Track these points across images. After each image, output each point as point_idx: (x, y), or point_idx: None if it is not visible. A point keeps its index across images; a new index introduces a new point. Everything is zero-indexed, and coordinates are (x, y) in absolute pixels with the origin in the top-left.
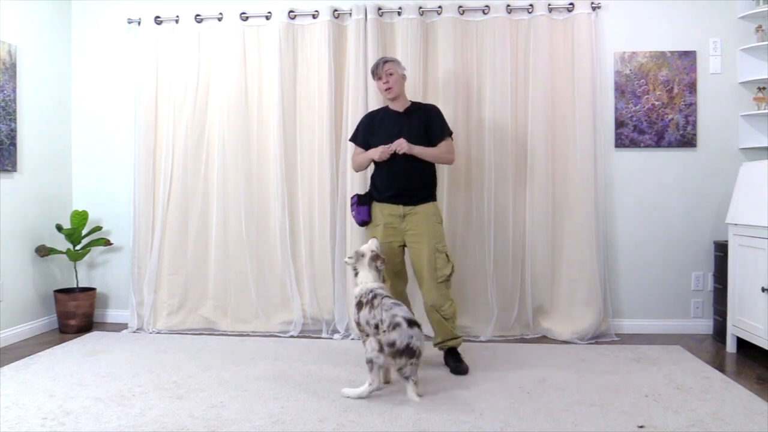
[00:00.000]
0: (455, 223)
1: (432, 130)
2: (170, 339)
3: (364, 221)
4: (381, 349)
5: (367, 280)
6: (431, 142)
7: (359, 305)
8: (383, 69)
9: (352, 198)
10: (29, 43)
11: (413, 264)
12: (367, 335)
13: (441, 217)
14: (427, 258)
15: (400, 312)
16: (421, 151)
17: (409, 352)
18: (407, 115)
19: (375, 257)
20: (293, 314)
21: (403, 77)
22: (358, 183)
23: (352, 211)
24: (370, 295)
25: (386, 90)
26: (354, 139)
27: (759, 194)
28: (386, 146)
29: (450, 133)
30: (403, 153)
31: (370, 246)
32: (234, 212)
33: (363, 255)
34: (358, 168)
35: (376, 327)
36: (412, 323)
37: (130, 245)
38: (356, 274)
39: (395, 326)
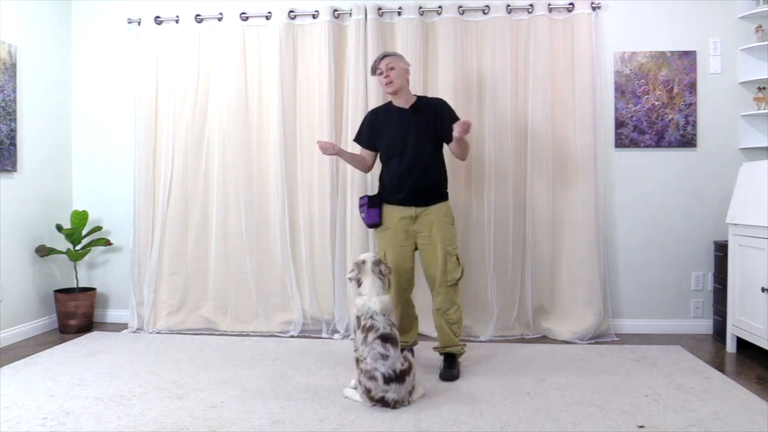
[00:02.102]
0: (455, 222)
1: (447, 125)
2: (170, 339)
3: (374, 224)
4: (360, 384)
5: (371, 291)
6: (444, 137)
7: (357, 321)
8: (383, 63)
9: (361, 199)
10: (29, 43)
11: (423, 266)
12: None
13: (453, 216)
14: (439, 261)
15: (382, 367)
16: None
17: (383, 402)
18: (414, 111)
19: (377, 262)
20: (293, 314)
21: (406, 71)
22: (359, 183)
23: (361, 212)
24: (369, 323)
25: (386, 84)
26: (358, 139)
27: (759, 194)
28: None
29: None
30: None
31: (370, 254)
32: (234, 212)
33: (364, 261)
34: (361, 170)
35: (361, 360)
36: (389, 380)
37: (130, 245)
38: (359, 285)
39: (372, 378)
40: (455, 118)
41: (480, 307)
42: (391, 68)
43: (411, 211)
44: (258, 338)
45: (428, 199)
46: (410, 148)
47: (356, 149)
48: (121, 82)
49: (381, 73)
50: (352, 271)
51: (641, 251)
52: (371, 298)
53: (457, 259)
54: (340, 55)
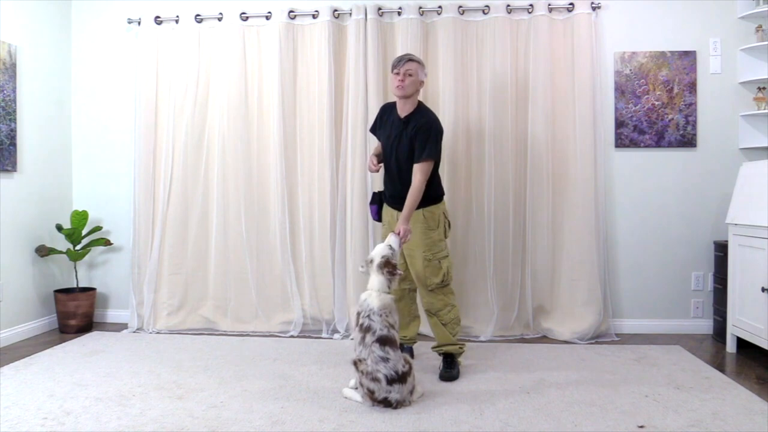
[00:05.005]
0: (455, 223)
1: (415, 146)
2: (170, 339)
3: (375, 219)
4: (361, 386)
5: (373, 287)
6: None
7: (357, 317)
8: (404, 67)
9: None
10: (29, 43)
11: (410, 268)
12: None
13: (438, 220)
14: (417, 267)
15: (384, 369)
16: (411, 208)
17: (386, 403)
18: (405, 123)
19: (384, 264)
20: (293, 314)
21: (421, 83)
22: (359, 182)
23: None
24: (366, 322)
25: (397, 87)
26: (373, 129)
27: (759, 194)
28: (371, 161)
29: (429, 157)
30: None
31: (382, 250)
32: (234, 212)
33: (371, 261)
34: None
35: (360, 361)
36: (392, 381)
37: (130, 245)
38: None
39: (374, 379)
40: (423, 146)
41: (480, 307)
42: (409, 75)
43: (395, 213)
44: (258, 338)
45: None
46: (395, 157)
47: (357, 146)
48: (121, 82)
49: (398, 75)
50: (363, 267)
51: (641, 251)
52: (371, 293)
53: (440, 263)
54: (340, 55)
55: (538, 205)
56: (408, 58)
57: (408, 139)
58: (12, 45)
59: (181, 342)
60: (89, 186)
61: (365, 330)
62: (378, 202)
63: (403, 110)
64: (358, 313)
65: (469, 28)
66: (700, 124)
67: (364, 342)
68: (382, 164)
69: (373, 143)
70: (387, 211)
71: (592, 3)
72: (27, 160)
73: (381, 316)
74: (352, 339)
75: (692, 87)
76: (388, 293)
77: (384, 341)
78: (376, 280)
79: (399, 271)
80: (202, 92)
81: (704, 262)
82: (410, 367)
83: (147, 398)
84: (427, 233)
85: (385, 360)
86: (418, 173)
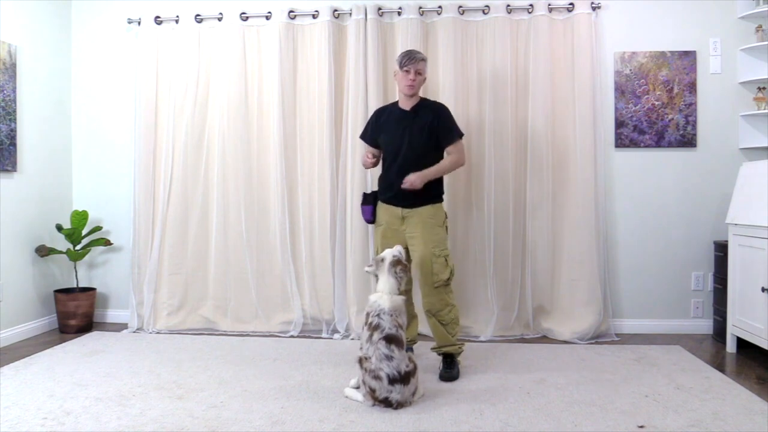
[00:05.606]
0: (455, 223)
1: (441, 132)
2: (170, 339)
3: (368, 220)
4: (364, 384)
5: (383, 289)
6: (440, 144)
7: (366, 317)
8: (416, 66)
9: (362, 196)
10: (29, 43)
11: (412, 267)
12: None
13: (443, 219)
14: (424, 262)
15: (386, 368)
16: (433, 174)
17: (387, 402)
18: (414, 113)
19: (395, 263)
20: (293, 314)
21: (425, 79)
22: (359, 182)
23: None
24: (376, 321)
25: (409, 86)
26: (363, 136)
27: (759, 194)
28: (366, 155)
29: (461, 135)
30: (417, 185)
31: (393, 251)
32: (234, 212)
33: (383, 260)
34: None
35: (366, 359)
36: (394, 381)
37: (130, 245)
38: (377, 280)
39: (376, 377)
40: (451, 126)
41: (480, 307)
42: (419, 74)
43: (398, 211)
44: (258, 338)
45: (415, 201)
46: (404, 150)
47: (357, 146)
48: (121, 82)
49: (408, 73)
50: (371, 266)
51: (641, 251)
52: (383, 296)
53: (446, 260)
54: (340, 55)
55: (538, 205)
56: (421, 58)
57: (423, 126)
58: (12, 45)
59: (181, 342)
60: (89, 186)
61: (373, 328)
62: (372, 202)
63: (408, 104)
64: (368, 313)
65: (469, 28)
66: (700, 124)
67: (371, 340)
68: (376, 158)
69: None
70: (386, 209)
71: (592, 3)
72: (27, 160)
73: (391, 316)
74: (352, 339)
75: (692, 87)
76: (398, 294)
77: (390, 339)
78: (386, 282)
79: (407, 270)
80: (202, 92)
81: (704, 262)
82: (415, 367)
83: (147, 398)
84: (435, 228)
85: (389, 358)
86: (455, 153)
